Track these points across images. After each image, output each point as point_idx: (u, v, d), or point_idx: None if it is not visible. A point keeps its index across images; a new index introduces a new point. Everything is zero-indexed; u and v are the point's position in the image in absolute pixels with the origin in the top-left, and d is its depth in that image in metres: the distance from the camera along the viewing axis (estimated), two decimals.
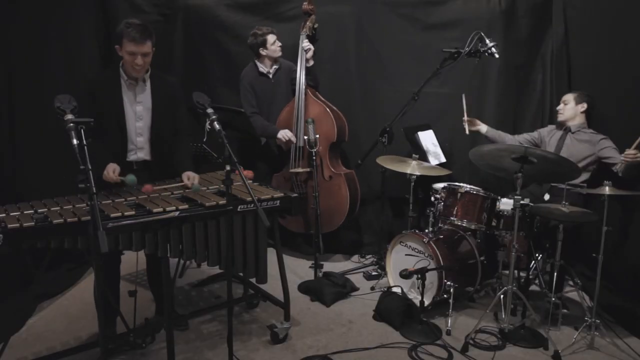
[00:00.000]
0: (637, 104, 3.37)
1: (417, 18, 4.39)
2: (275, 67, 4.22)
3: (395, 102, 4.16)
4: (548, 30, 4.25)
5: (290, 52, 4.26)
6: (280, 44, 4.14)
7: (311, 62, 4.16)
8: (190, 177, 2.91)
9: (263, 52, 4.14)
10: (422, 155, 3.99)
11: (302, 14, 4.16)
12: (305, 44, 4.10)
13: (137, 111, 2.90)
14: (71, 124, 2.00)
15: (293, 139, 4.11)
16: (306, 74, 4.12)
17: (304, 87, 4.11)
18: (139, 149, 2.94)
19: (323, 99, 4.23)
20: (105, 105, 2.82)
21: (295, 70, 4.17)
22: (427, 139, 4.22)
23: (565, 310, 3.34)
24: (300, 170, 4.16)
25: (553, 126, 3.85)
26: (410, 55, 4.41)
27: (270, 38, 4.10)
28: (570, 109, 3.67)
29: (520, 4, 4.23)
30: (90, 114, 2.69)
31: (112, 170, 2.74)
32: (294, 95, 4.19)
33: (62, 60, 3.86)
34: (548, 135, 3.79)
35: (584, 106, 3.64)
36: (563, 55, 4.13)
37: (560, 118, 3.72)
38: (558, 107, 3.76)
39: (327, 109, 4.13)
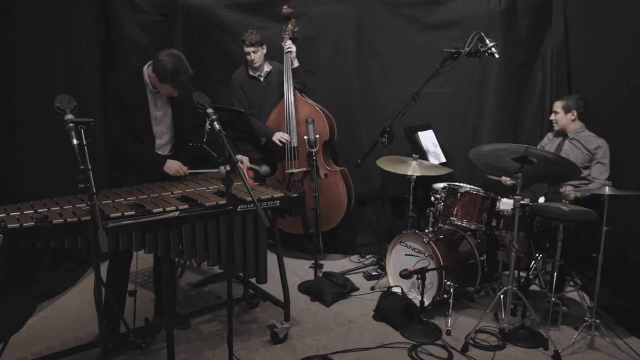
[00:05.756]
0: (638, 102, 3.37)
1: (417, 18, 4.38)
2: (266, 70, 4.22)
3: (395, 102, 4.17)
4: (548, 30, 4.25)
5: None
6: (254, 57, 4.07)
7: (295, 63, 4.18)
8: (244, 161, 3.18)
9: None
10: (422, 155, 3.99)
11: (284, 18, 4.16)
12: (287, 43, 4.13)
13: (157, 116, 2.99)
14: (71, 124, 2.00)
15: (289, 139, 4.14)
16: (292, 76, 4.14)
17: (292, 88, 4.14)
18: (159, 150, 3.07)
19: (310, 100, 4.25)
20: (133, 108, 2.91)
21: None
22: (427, 139, 4.22)
23: (565, 308, 3.34)
24: (295, 170, 4.18)
25: (552, 133, 3.84)
26: (410, 55, 4.41)
27: (246, 49, 4.06)
28: (561, 118, 3.68)
29: (520, 4, 4.23)
30: (121, 116, 2.86)
31: (178, 167, 3.02)
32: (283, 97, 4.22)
33: (62, 60, 3.86)
34: (549, 143, 3.81)
35: (573, 114, 3.63)
36: (563, 55, 4.13)
37: (555, 127, 3.74)
38: (551, 117, 3.76)
39: (318, 109, 4.18)
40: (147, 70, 2.89)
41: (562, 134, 3.71)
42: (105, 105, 3.00)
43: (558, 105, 3.70)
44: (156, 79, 2.83)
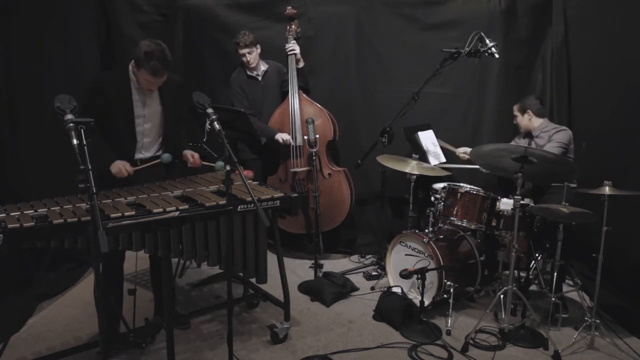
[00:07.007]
0: (638, 102, 3.37)
1: (417, 18, 4.39)
2: (263, 69, 4.23)
3: (395, 102, 4.16)
4: (548, 30, 4.26)
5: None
6: (249, 58, 4.08)
7: (301, 64, 4.19)
8: (194, 156, 3.07)
9: None
10: (422, 156, 3.99)
11: (287, 19, 4.16)
12: (291, 44, 4.13)
13: (146, 114, 2.96)
14: (71, 124, 2.00)
15: (291, 141, 4.15)
16: (297, 75, 4.15)
17: (297, 88, 4.14)
18: (145, 148, 3.02)
19: (313, 100, 4.26)
20: (115, 106, 2.86)
21: (286, 72, 4.20)
22: (427, 139, 4.21)
23: (564, 315, 3.32)
24: (299, 169, 4.18)
25: (522, 135, 3.85)
26: (410, 55, 4.41)
27: (240, 50, 4.06)
28: (520, 120, 3.76)
29: (520, 4, 4.23)
30: (95, 112, 2.70)
31: (123, 166, 2.82)
32: (284, 97, 4.21)
33: (62, 60, 3.86)
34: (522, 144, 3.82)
35: (529, 113, 3.69)
36: (563, 55, 4.13)
37: (521, 130, 3.81)
38: (514, 122, 3.82)
39: (322, 109, 4.19)
40: (131, 65, 2.85)
41: (529, 134, 3.75)
42: (83, 95, 2.93)
43: (515, 109, 3.78)
44: (135, 67, 2.78)
